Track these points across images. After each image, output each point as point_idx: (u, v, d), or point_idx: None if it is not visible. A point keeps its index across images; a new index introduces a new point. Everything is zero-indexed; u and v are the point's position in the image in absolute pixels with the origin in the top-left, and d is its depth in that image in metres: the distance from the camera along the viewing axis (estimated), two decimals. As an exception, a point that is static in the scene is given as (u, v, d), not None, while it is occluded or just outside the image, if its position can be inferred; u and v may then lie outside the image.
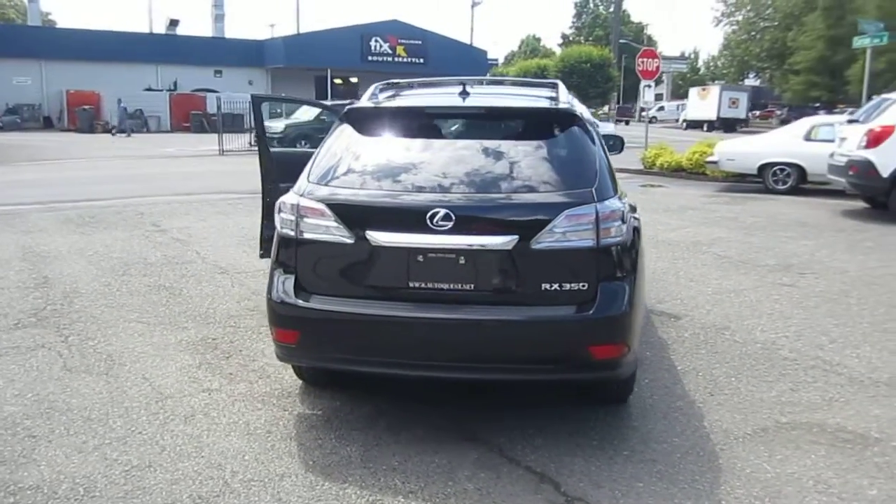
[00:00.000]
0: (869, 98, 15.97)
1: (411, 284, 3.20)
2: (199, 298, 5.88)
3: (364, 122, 3.58)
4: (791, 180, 12.73)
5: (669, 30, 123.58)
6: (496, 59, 61.46)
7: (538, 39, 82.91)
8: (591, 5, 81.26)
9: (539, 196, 3.20)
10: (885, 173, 9.16)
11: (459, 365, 3.26)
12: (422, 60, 43.70)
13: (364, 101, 3.75)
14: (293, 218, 3.30)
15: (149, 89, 39.42)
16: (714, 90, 47.58)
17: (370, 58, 43.02)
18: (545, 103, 3.79)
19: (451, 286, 3.17)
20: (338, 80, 42.55)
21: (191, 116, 37.02)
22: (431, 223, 3.09)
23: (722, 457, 3.36)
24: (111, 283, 6.28)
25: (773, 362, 4.55)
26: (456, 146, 3.46)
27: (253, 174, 6.00)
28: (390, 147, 3.53)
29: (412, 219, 3.15)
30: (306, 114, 20.67)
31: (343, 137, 3.56)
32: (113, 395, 3.94)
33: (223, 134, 23.04)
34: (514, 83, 4.93)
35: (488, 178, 3.28)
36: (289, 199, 3.38)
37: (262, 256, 6.06)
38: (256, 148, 5.85)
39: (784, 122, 17.24)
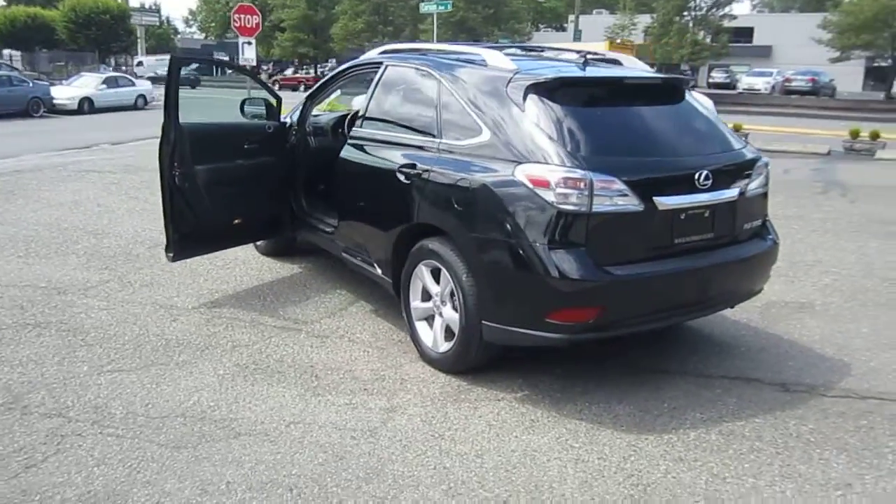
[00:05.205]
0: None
1: (676, 241, 3.55)
2: (130, 333, 4.45)
3: (564, 93, 3.54)
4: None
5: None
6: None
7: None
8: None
9: (743, 152, 3.90)
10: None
11: (712, 304, 3.84)
12: None
13: (533, 73, 3.64)
14: (584, 192, 3.23)
15: None
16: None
17: None
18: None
19: (700, 237, 3.64)
20: None
21: None
22: (698, 183, 3.50)
23: (791, 334, 4.60)
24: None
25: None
26: (661, 112, 3.80)
27: None
28: (615, 116, 3.66)
29: (685, 181, 3.49)
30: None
31: (554, 109, 3.45)
32: (329, 459, 3.13)
33: None
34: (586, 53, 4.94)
35: (709, 140, 3.84)
36: (568, 174, 3.24)
37: (172, 259, 4.90)
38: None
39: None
